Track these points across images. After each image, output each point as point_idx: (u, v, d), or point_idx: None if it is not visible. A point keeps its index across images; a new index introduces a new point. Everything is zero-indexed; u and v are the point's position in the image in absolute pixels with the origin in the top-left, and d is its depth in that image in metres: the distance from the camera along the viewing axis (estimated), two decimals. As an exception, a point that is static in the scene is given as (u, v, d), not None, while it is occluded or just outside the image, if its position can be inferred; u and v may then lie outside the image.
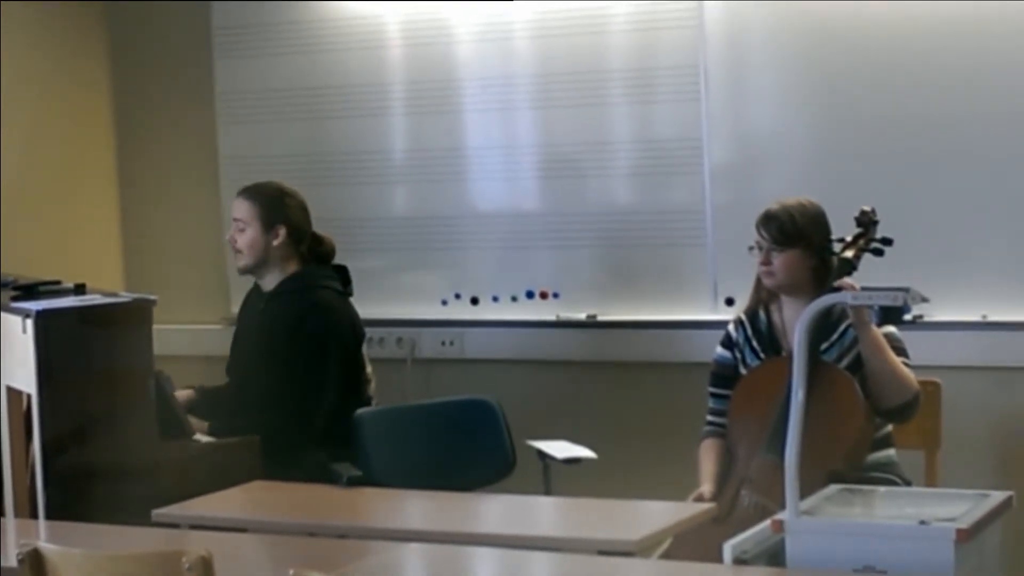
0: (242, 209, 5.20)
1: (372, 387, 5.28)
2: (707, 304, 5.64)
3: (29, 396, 4.67)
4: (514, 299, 5.98)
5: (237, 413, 5.10)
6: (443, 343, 6.10)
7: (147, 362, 4.74)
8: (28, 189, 6.26)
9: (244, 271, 5.26)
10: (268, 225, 5.16)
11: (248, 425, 4.97)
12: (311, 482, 4.60)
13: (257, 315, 5.21)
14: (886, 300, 3.62)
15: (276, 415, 5.00)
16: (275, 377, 5.06)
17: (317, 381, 5.05)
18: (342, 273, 5.26)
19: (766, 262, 4.62)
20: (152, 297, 4.80)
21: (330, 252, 5.28)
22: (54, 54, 6.44)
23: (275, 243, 5.16)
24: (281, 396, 5.03)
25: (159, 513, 4.26)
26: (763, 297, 4.72)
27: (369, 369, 5.27)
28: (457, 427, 5.20)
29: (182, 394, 5.16)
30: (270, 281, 5.20)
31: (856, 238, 4.58)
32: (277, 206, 5.18)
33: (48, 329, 4.58)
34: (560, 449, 5.01)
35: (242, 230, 5.18)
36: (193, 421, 5.03)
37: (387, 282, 6.08)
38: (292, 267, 5.20)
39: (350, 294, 5.25)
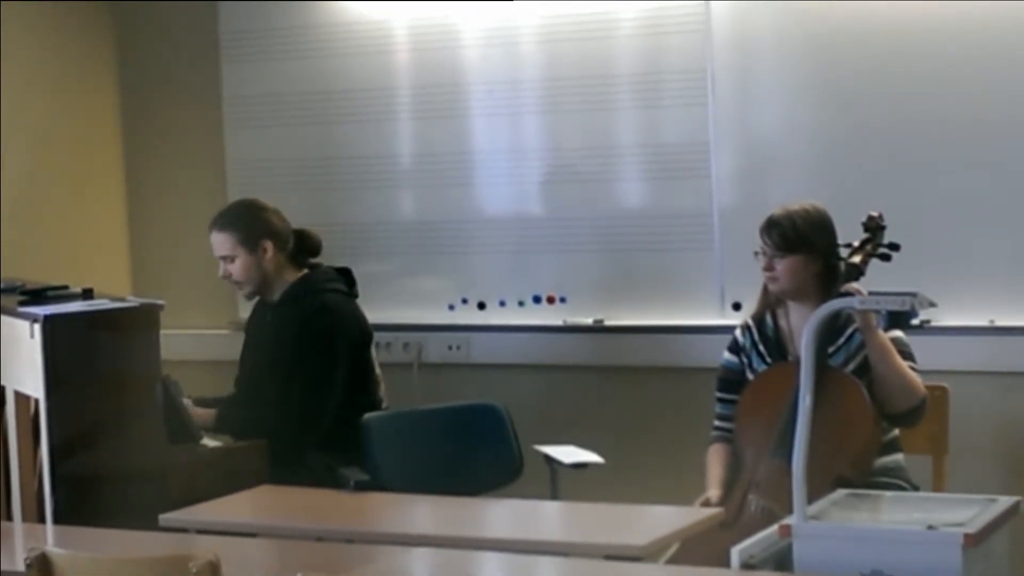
0: (222, 244, 5.16)
1: (382, 389, 5.27)
2: (714, 309, 5.63)
3: (37, 401, 4.67)
4: (521, 304, 5.97)
5: (242, 412, 5.10)
6: (450, 348, 6.10)
7: (154, 367, 4.74)
8: (35, 193, 6.27)
9: (251, 297, 5.27)
10: (252, 246, 5.13)
11: (253, 424, 4.97)
12: (317, 484, 4.60)
13: (265, 324, 5.21)
14: (893, 305, 3.62)
15: (281, 415, 5.00)
16: (282, 379, 5.05)
17: (323, 382, 5.04)
18: (346, 275, 5.25)
19: (769, 268, 4.62)
20: (159, 302, 4.80)
21: (317, 245, 5.27)
22: (61, 58, 6.45)
23: (266, 258, 5.14)
24: (286, 397, 5.02)
25: (167, 518, 4.27)
26: (770, 302, 4.71)
27: (378, 371, 5.27)
28: (464, 432, 5.20)
29: (200, 413, 5.13)
30: (275, 292, 5.20)
31: (863, 243, 4.57)
32: (253, 224, 5.15)
33: (56, 334, 4.58)
34: (567, 454, 5.00)
35: (232, 262, 5.16)
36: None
37: (394, 287, 6.08)
38: (290, 273, 5.19)
39: (356, 295, 5.25)
